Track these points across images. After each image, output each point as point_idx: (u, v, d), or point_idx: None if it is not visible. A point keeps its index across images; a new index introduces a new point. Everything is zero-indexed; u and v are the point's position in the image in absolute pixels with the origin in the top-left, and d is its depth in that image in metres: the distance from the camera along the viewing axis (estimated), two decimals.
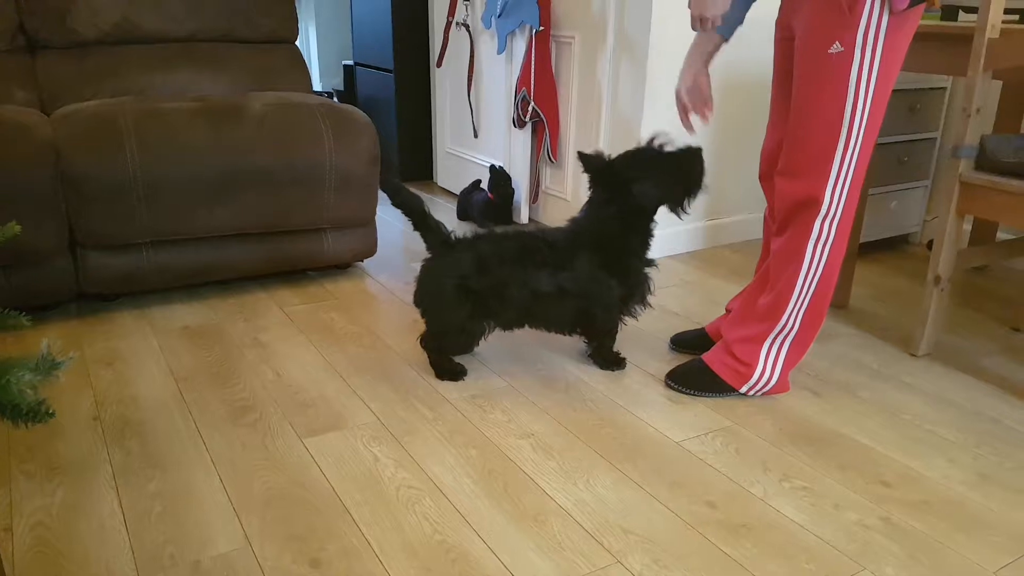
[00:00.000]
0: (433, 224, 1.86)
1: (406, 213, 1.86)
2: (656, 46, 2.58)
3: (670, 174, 1.80)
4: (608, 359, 1.97)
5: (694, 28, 1.63)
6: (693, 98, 1.81)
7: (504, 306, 1.83)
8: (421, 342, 1.97)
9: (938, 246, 1.97)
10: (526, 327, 1.94)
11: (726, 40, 1.79)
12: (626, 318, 1.93)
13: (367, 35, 3.97)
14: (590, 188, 1.88)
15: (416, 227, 1.87)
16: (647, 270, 1.89)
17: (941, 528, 1.39)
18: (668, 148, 1.81)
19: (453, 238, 1.86)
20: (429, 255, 1.88)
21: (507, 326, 1.93)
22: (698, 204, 2.90)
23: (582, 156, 1.86)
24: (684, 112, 1.83)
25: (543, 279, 1.81)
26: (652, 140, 1.81)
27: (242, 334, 2.14)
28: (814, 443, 1.66)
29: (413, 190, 1.96)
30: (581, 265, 1.82)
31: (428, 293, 1.88)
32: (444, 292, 1.83)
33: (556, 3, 2.88)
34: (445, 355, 1.93)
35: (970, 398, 1.85)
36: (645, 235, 1.87)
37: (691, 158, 1.81)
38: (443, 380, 1.90)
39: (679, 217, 1.85)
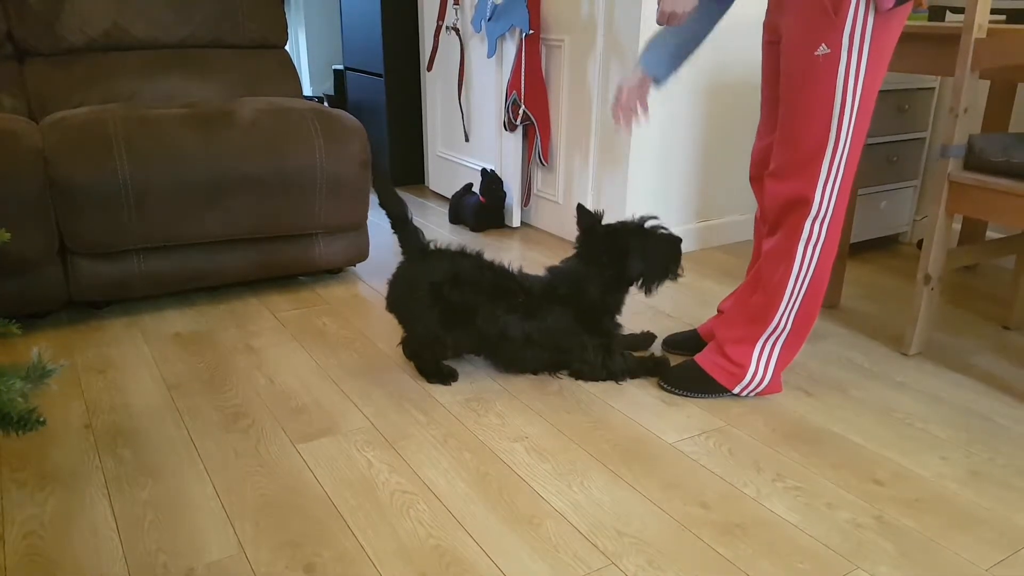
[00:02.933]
0: (412, 229, 1.87)
1: (389, 214, 1.88)
2: None
3: (659, 255, 1.88)
4: (614, 371, 1.92)
5: (659, 23, 1.63)
6: (630, 99, 1.81)
7: (467, 329, 1.84)
8: (404, 349, 1.98)
9: (928, 246, 1.98)
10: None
11: (656, 83, 1.81)
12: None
13: (357, 39, 3.97)
14: (578, 243, 1.91)
15: (395, 229, 1.88)
16: (616, 330, 1.93)
17: (934, 526, 1.40)
18: (661, 231, 1.88)
19: (431, 247, 1.87)
20: (403, 259, 1.90)
21: (458, 352, 1.94)
22: (690, 206, 2.92)
23: (581, 209, 1.90)
24: (619, 107, 1.83)
25: (512, 321, 1.83)
26: (645, 220, 1.87)
27: (234, 340, 2.13)
28: (807, 443, 1.66)
29: (404, 195, 1.96)
30: (554, 317, 1.86)
31: (399, 297, 1.89)
32: (415, 296, 1.83)
33: (546, 6, 2.89)
34: (429, 359, 1.93)
35: (961, 396, 1.86)
36: (620, 299, 1.92)
37: (676, 246, 1.90)
38: (432, 383, 1.90)
39: (646, 294, 1.91)
